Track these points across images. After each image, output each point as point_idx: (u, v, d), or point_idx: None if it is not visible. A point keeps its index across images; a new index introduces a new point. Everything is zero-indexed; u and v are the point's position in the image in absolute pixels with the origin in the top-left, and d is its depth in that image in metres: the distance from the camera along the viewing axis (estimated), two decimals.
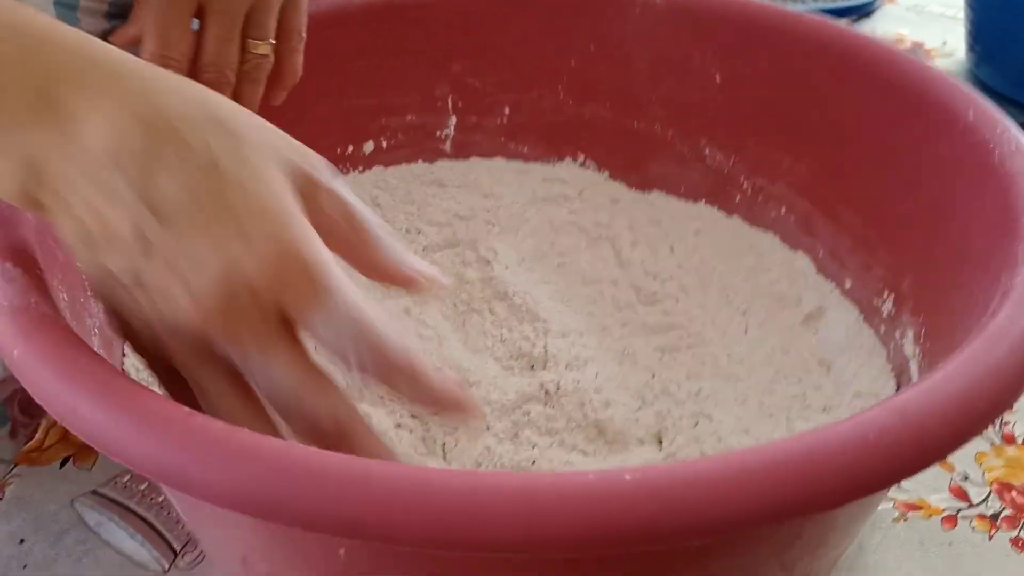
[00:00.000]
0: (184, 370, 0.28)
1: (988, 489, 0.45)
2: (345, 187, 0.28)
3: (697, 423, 0.42)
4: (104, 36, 0.33)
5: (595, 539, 0.22)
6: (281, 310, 0.26)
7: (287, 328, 0.26)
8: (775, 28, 0.49)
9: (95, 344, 0.36)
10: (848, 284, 0.47)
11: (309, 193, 0.27)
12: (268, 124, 0.28)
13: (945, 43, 0.91)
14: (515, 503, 0.22)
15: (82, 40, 0.26)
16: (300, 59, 0.44)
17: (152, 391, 0.26)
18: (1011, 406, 0.27)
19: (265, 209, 0.25)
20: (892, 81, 0.44)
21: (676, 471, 0.23)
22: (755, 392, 0.44)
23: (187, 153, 0.25)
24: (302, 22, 0.43)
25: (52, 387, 0.26)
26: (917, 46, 0.91)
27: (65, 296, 0.34)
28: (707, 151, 0.54)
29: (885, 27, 0.95)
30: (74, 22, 0.43)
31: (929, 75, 0.42)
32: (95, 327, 0.37)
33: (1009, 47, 0.72)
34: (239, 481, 0.23)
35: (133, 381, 0.26)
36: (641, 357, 0.46)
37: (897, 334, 0.43)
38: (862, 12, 0.97)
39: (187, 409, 0.25)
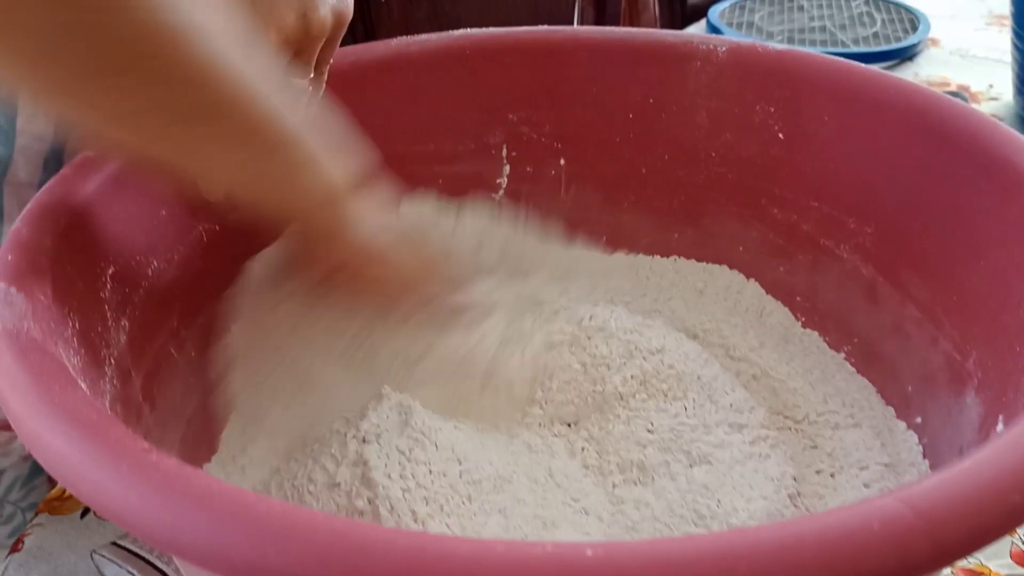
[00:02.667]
0: None
1: None
2: None
3: None
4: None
5: None
6: None
7: None
8: (839, 84, 0.47)
9: (108, 374, 0.36)
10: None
11: None
12: None
13: (991, 86, 0.88)
14: (463, 569, 0.20)
15: None
16: (323, 84, 0.45)
17: (116, 423, 0.26)
18: None
19: None
20: (962, 141, 0.41)
21: (641, 549, 0.21)
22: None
23: None
24: (332, 55, 0.45)
25: (21, 412, 0.25)
26: (962, 89, 0.88)
27: (77, 324, 0.34)
28: (769, 210, 0.51)
29: (929, 71, 0.92)
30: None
31: (1001, 134, 0.39)
32: (111, 356, 0.37)
33: None
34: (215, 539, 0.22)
35: (103, 412, 0.26)
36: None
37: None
38: (905, 55, 0.95)
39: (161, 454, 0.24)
